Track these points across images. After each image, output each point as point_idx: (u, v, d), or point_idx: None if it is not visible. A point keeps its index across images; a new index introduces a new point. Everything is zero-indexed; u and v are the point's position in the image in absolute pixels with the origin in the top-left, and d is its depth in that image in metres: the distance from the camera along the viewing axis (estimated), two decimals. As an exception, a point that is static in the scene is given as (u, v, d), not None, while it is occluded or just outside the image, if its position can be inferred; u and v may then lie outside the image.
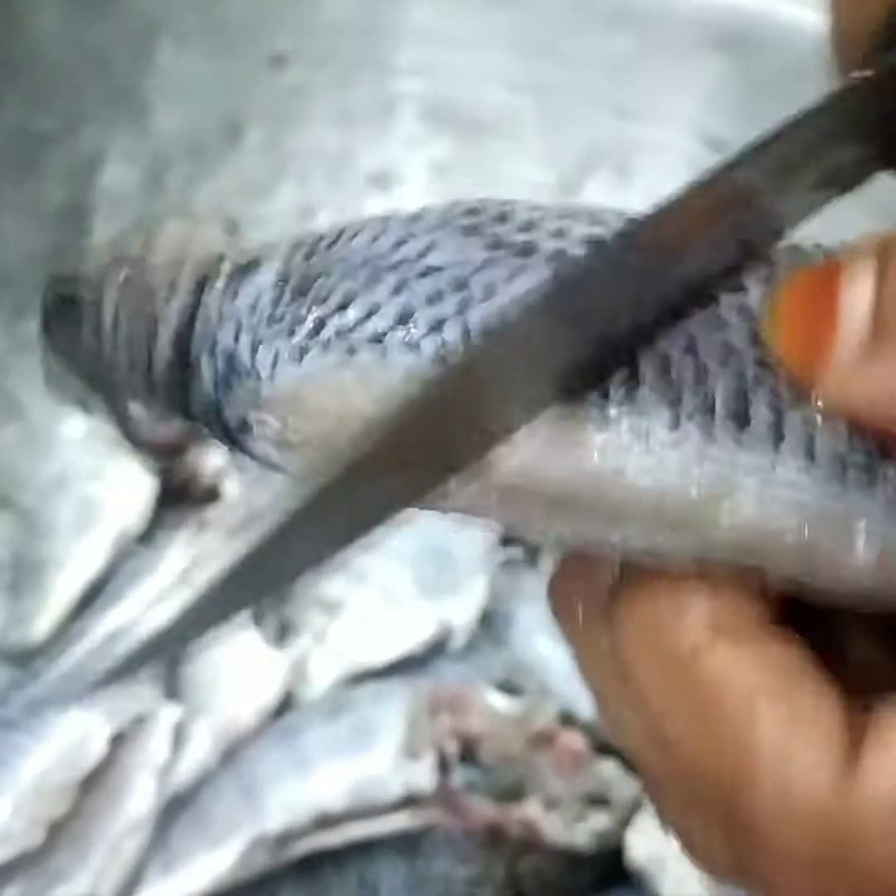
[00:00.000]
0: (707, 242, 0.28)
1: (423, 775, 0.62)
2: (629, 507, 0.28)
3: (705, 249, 0.28)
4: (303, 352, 0.30)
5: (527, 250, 0.30)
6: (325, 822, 0.61)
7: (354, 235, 0.32)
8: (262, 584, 0.30)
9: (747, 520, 0.28)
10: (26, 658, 0.66)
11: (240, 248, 0.33)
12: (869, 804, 0.27)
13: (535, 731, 0.64)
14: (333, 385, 0.30)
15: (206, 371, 0.31)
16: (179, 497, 0.71)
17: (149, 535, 0.70)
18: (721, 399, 0.28)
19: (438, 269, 0.30)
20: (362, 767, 0.62)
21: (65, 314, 0.34)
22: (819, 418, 0.28)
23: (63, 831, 0.58)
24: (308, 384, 0.30)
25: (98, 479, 0.71)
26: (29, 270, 0.78)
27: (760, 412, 0.28)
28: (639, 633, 0.29)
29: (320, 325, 0.30)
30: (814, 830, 0.27)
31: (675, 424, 0.28)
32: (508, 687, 0.67)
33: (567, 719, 0.66)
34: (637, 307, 0.28)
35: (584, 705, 0.67)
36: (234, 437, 0.32)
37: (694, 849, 0.31)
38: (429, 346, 0.29)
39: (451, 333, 0.29)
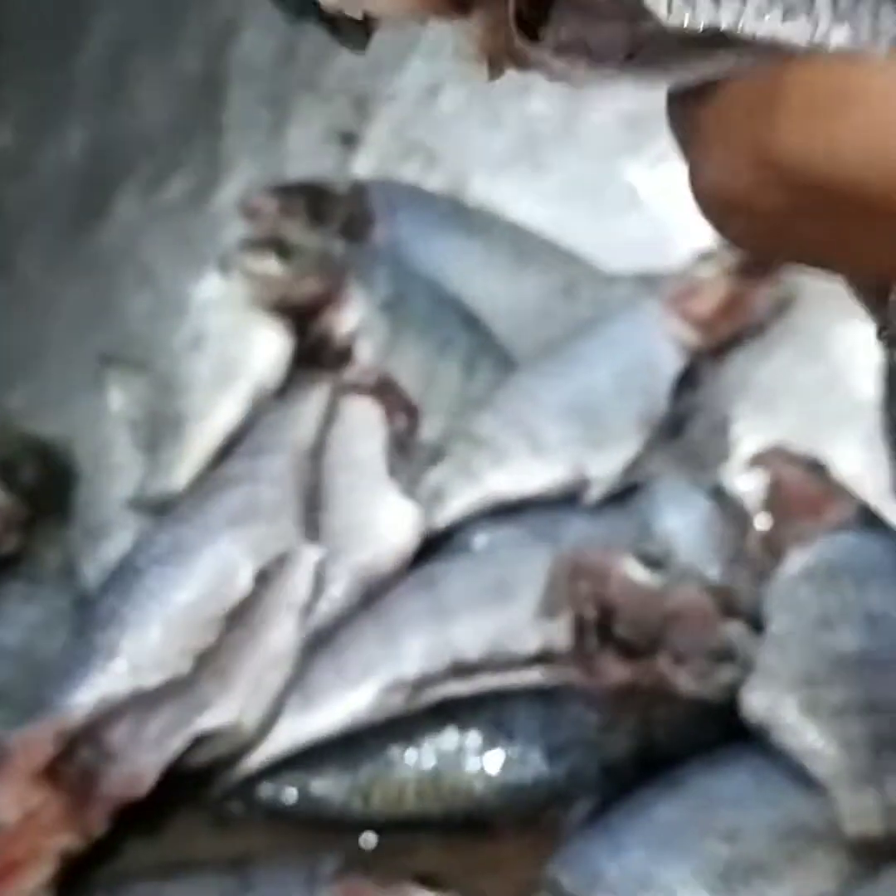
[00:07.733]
0: None
1: (559, 634, 0.62)
2: None
3: None
4: None
5: None
6: (461, 670, 0.62)
7: None
8: None
9: None
10: (168, 507, 0.68)
11: None
12: None
13: (671, 607, 0.64)
14: None
15: None
16: (313, 358, 0.72)
17: (284, 392, 0.71)
18: None
19: None
20: (501, 621, 0.62)
21: None
22: None
23: (209, 662, 0.60)
24: None
25: (234, 338, 0.72)
26: (165, 139, 0.80)
27: None
28: None
29: None
30: None
31: None
32: (640, 553, 0.67)
33: (698, 582, 0.66)
34: None
35: (714, 571, 0.68)
36: None
37: None
38: None
39: None
